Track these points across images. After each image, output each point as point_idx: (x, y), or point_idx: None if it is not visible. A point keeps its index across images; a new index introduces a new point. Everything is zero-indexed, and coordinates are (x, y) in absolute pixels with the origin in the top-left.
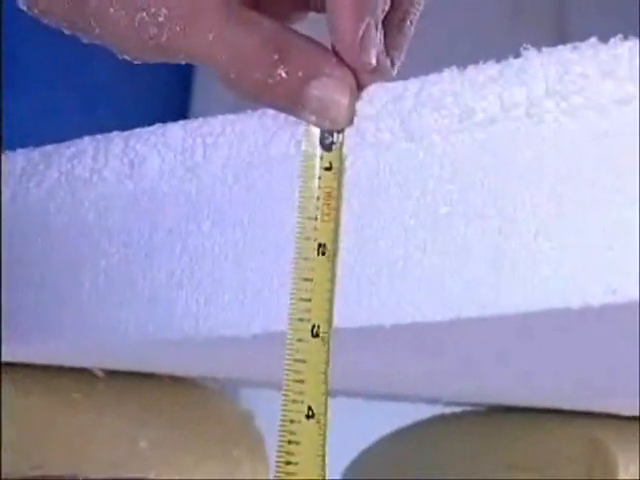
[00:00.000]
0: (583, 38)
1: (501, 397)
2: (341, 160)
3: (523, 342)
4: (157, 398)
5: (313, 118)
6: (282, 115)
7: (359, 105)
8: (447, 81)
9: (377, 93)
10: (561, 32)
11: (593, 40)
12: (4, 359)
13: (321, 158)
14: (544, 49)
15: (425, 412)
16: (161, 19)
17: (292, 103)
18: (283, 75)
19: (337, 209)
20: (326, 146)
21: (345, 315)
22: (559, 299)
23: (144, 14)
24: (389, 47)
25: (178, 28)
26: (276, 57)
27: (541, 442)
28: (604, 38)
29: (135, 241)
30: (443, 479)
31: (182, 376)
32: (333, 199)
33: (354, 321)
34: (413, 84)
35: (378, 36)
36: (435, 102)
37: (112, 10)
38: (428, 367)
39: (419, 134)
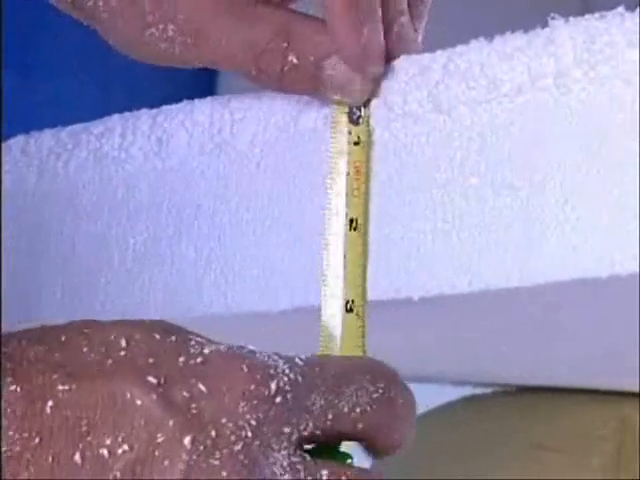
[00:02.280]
0: (609, 7)
1: (530, 376)
2: (369, 134)
3: (552, 314)
4: None
5: (337, 96)
6: None
7: (387, 77)
8: (474, 52)
9: (404, 65)
10: (586, 2)
11: (620, 9)
12: None
13: (349, 133)
14: (571, 19)
15: (454, 394)
16: (170, 34)
17: (312, 86)
18: (295, 61)
19: (366, 183)
20: (354, 120)
21: (374, 288)
22: (588, 269)
23: (153, 30)
24: (412, 17)
25: (189, 40)
26: (285, 45)
27: (571, 421)
28: (630, 7)
29: (163, 218)
30: (472, 460)
31: None
32: (362, 174)
33: (383, 294)
34: (440, 56)
35: (381, 39)
36: (462, 73)
37: (121, 24)
38: (455, 343)
39: (447, 106)
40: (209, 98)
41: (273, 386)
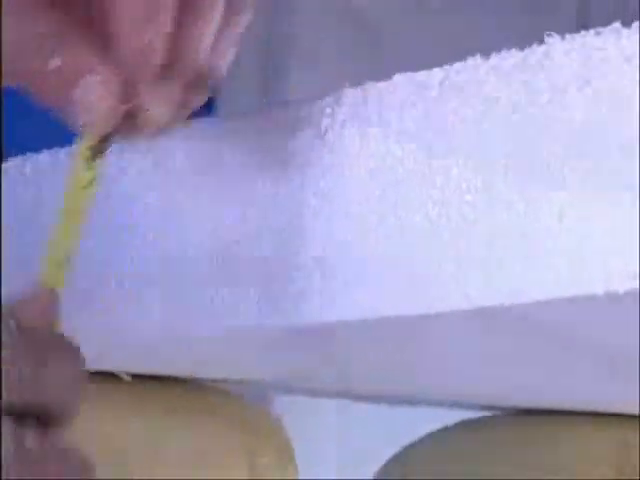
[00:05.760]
0: (605, 23)
1: (529, 399)
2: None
3: (550, 334)
4: (183, 402)
5: (86, 119)
6: None
7: (383, 94)
8: (471, 69)
9: (401, 82)
10: (582, 18)
11: (616, 25)
12: None
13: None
14: (567, 35)
15: (453, 418)
16: None
17: (64, 99)
18: (58, 65)
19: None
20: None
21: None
22: (584, 285)
23: None
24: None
25: None
26: (53, 47)
27: (571, 444)
28: (626, 23)
29: None
30: None
31: (207, 381)
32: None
33: (370, 314)
34: (437, 73)
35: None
36: (459, 91)
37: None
38: (452, 365)
39: (443, 123)
40: None
41: None
